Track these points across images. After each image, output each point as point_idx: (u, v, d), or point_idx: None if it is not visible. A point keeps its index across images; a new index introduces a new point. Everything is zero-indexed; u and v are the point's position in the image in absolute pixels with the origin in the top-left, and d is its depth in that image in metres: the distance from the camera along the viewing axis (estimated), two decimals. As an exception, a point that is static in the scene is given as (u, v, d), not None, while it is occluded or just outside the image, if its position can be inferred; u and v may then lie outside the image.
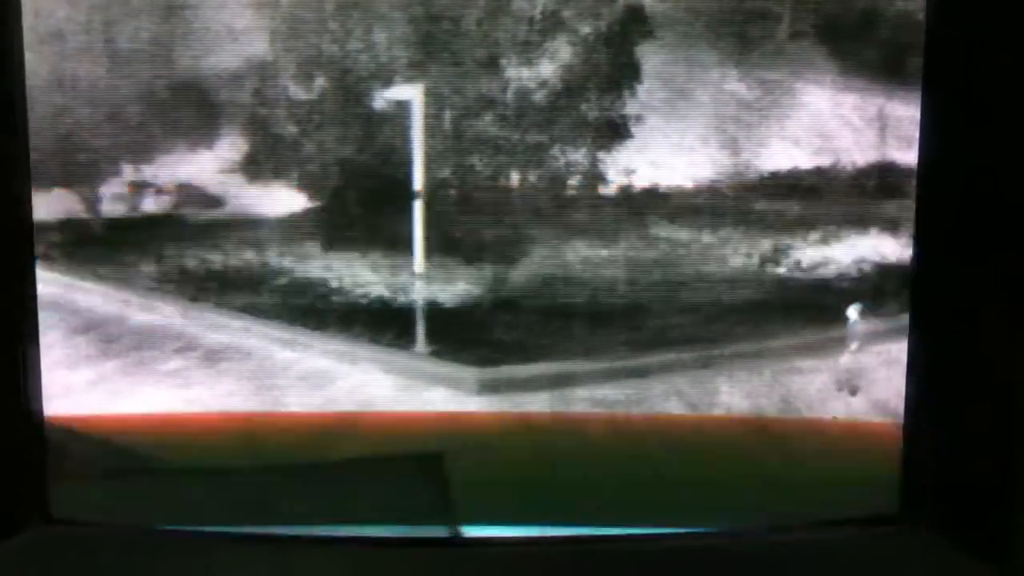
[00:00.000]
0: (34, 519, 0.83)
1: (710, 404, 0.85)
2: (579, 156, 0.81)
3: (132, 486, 0.85)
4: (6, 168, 0.79)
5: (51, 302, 0.83)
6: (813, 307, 0.84)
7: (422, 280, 0.83)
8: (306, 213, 0.82)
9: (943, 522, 0.83)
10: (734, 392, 0.85)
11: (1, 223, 0.80)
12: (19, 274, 0.81)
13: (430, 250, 0.82)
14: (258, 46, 0.79)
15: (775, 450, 0.85)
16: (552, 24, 0.79)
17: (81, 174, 0.81)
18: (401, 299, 0.83)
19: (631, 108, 0.81)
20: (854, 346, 0.84)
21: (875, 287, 0.84)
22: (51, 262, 0.82)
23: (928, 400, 0.84)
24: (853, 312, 0.83)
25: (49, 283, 0.82)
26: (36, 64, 0.79)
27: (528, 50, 0.80)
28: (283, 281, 0.83)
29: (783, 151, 0.82)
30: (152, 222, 0.82)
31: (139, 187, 0.81)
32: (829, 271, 0.84)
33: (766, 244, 0.83)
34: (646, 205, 0.82)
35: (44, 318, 0.83)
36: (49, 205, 0.81)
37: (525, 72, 0.80)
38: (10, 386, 0.81)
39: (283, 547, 0.83)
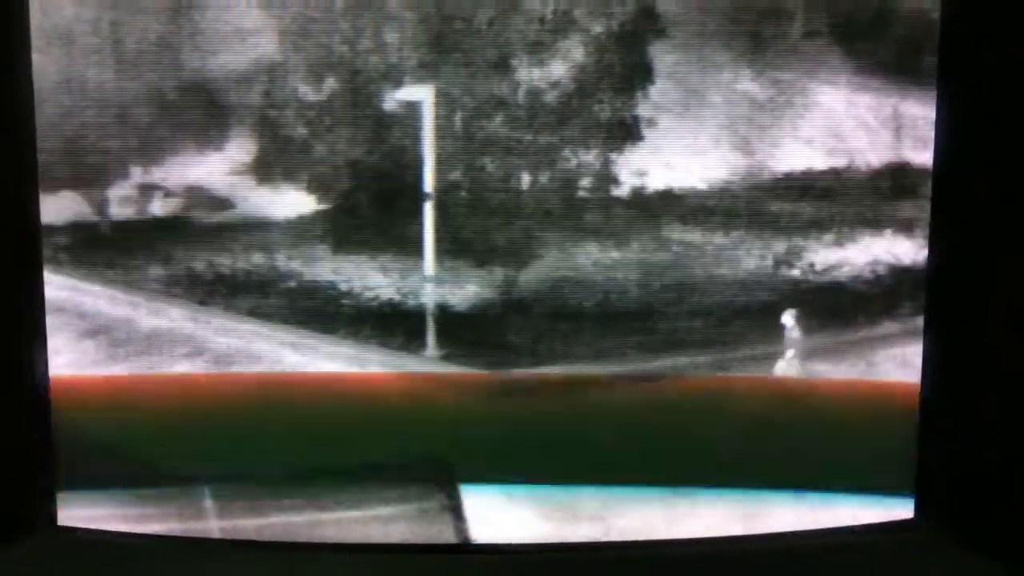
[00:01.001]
0: (41, 525, 0.83)
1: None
2: (591, 157, 0.81)
3: (140, 491, 0.84)
4: (14, 170, 0.79)
5: (58, 306, 0.83)
6: (827, 309, 0.84)
7: (432, 283, 0.83)
8: (315, 215, 0.82)
9: (957, 523, 0.83)
10: (748, 395, 0.85)
11: (9, 225, 0.80)
12: (27, 277, 0.81)
13: (440, 253, 0.82)
14: (267, 46, 0.79)
15: (789, 416, 0.84)
16: (564, 23, 0.79)
17: (89, 176, 0.81)
18: (411, 302, 0.83)
19: (643, 109, 0.81)
20: (790, 354, 0.84)
21: (890, 289, 0.83)
22: (59, 265, 0.82)
23: (942, 401, 0.83)
24: (788, 319, 0.82)
25: (57, 286, 0.82)
26: (44, 65, 0.79)
27: (540, 50, 0.80)
28: (292, 284, 0.83)
29: (797, 152, 0.81)
30: (160, 225, 0.81)
31: (147, 189, 0.81)
32: (843, 273, 0.83)
33: (780, 246, 0.83)
34: (658, 207, 0.82)
35: (51, 321, 0.83)
36: (57, 207, 0.81)
37: (537, 72, 0.80)
38: (17, 390, 0.81)
39: (289, 553, 0.83)
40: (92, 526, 0.84)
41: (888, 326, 0.84)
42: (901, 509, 0.85)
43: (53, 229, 0.81)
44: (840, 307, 0.84)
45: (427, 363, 0.84)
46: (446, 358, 0.84)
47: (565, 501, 0.84)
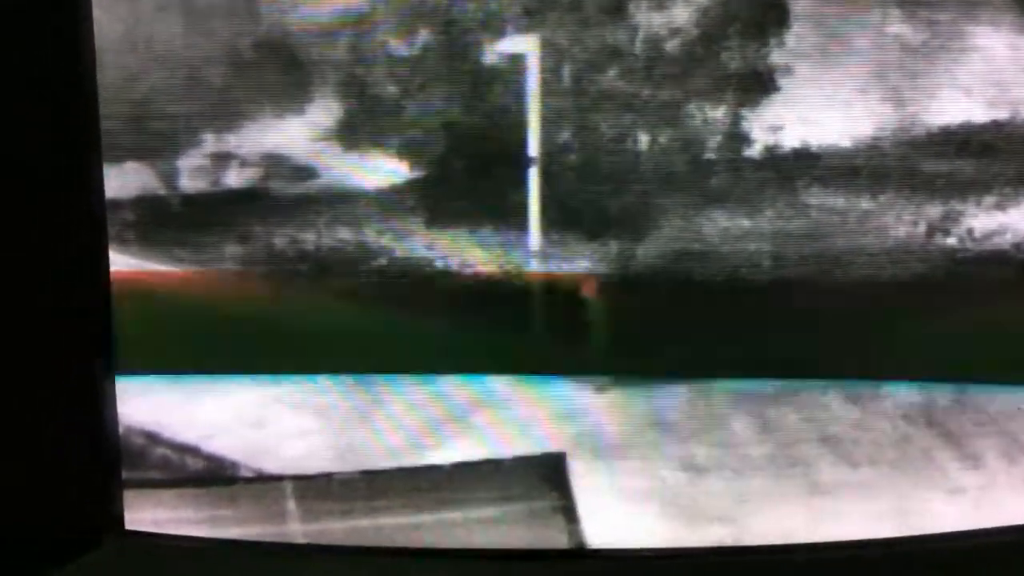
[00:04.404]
0: (111, 532, 0.83)
1: (873, 394, 0.82)
2: (718, 113, 0.79)
3: (212, 490, 0.84)
4: (75, 140, 0.78)
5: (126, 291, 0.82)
6: (987, 281, 0.80)
7: (538, 258, 0.81)
8: (407, 185, 0.80)
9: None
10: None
11: (71, 205, 0.79)
12: (92, 264, 0.81)
13: (547, 224, 0.81)
14: (353, -5, 0.78)
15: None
16: (687, -39, 0.78)
17: (157, 145, 0.80)
18: (514, 280, 0.81)
19: (778, 56, 0.78)
20: None
21: (1058, 258, 0.81)
22: (125, 244, 0.81)
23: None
24: None
25: (123, 268, 0.82)
26: (106, 24, 0.78)
27: (659, -9, 0.78)
28: (382, 261, 0.81)
29: (953, 103, 0.78)
30: (236, 198, 0.81)
31: (221, 159, 0.80)
32: (1006, 240, 0.80)
33: (934, 210, 0.80)
34: (795, 168, 0.79)
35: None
36: (122, 180, 0.80)
37: (656, 18, 0.77)
38: (86, 389, 0.81)
39: (382, 560, 0.83)
40: (159, 530, 0.84)
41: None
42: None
43: (118, 204, 0.81)
44: (1002, 279, 0.80)
45: (532, 347, 0.82)
46: (553, 341, 0.82)
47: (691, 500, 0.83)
